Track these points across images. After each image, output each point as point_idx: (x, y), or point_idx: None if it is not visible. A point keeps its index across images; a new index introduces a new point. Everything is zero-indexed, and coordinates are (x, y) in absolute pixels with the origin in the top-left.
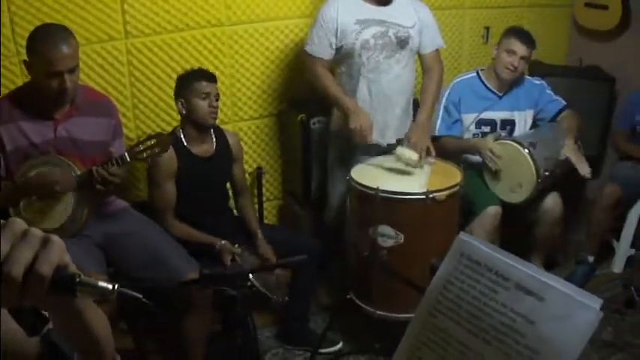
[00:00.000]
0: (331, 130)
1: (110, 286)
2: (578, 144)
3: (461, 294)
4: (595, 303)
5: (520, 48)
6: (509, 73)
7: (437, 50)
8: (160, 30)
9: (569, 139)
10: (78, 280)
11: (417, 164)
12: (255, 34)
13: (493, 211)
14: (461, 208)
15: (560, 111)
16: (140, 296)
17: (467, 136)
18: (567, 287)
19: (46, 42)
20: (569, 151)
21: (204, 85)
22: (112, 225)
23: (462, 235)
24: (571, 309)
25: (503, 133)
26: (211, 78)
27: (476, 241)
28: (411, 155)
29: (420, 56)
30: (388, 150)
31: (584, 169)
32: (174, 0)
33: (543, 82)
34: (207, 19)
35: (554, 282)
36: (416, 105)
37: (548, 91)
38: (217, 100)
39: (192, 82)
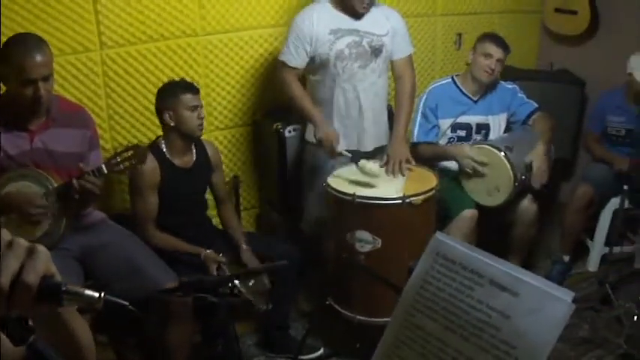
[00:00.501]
0: (305, 139)
1: (97, 295)
2: (549, 148)
3: (437, 292)
4: (567, 296)
5: (496, 51)
6: (487, 76)
7: (408, 56)
8: (134, 40)
9: (542, 144)
10: (64, 288)
11: (379, 174)
12: (230, 43)
13: (469, 214)
14: (437, 212)
15: (532, 113)
16: (127, 304)
17: (443, 140)
18: (540, 282)
19: (20, 50)
20: (537, 157)
21: (191, 98)
22: (89, 237)
23: (438, 235)
24: (544, 302)
25: (478, 137)
26: (196, 90)
27: (451, 241)
28: (373, 169)
29: (392, 63)
30: (368, 156)
31: (535, 183)
32: (149, 11)
33: (515, 86)
34: (182, 30)
35: (527, 277)
36: (390, 111)
37: (520, 95)
38: (202, 110)
39: (179, 94)
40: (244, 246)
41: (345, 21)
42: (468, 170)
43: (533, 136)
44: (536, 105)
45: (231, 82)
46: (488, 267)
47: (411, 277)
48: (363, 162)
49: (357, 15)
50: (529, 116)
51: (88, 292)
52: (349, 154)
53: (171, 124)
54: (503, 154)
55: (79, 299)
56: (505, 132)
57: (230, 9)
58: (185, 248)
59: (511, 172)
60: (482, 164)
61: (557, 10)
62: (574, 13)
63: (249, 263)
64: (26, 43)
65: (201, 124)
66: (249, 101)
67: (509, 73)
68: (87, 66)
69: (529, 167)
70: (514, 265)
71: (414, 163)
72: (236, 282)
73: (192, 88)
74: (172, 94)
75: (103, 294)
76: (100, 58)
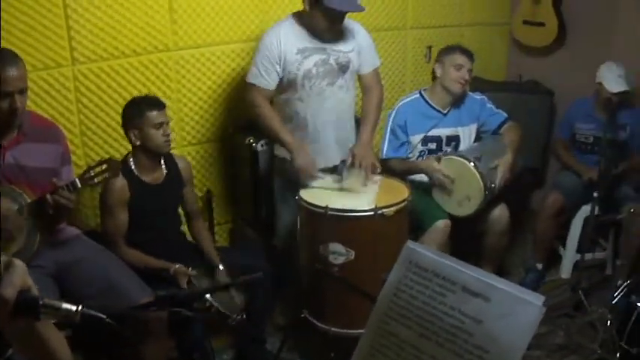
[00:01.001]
0: (275, 154)
1: (74, 308)
2: (515, 158)
3: (411, 299)
4: (537, 300)
5: (466, 61)
6: (460, 87)
7: (375, 69)
8: (107, 56)
9: (509, 153)
10: (41, 302)
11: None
12: (202, 58)
13: (442, 224)
14: (410, 224)
15: (502, 123)
16: (104, 317)
17: (414, 154)
18: (510, 287)
19: None
20: (503, 163)
21: (157, 114)
22: (63, 253)
23: (410, 244)
24: (515, 307)
25: (448, 149)
26: (162, 105)
27: (423, 249)
28: (355, 186)
29: (359, 77)
30: (333, 170)
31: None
32: (121, 26)
33: (484, 96)
34: (154, 45)
35: (498, 282)
36: (357, 122)
37: (489, 105)
38: (169, 126)
39: (144, 112)
40: (220, 267)
41: (311, 39)
42: (437, 183)
43: (501, 145)
44: (505, 115)
45: (204, 97)
46: (459, 273)
47: (385, 286)
48: (345, 179)
49: (323, 36)
50: (500, 126)
51: (66, 305)
52: (324, 177)
53: (137, 143)
54: (472, 164)
55: (57, 313)
56: (475, 142)
57: (202, 24)
58: (154, 264)
59: (481, 182)
60: (450, 178)
61: (525, 22)
62: (542, 25)
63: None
64: (1, 57)
65: (168, 141)
66: (222, 116)
67: (479, 85)
68: (59, 81)
69: (494, 170)
70: (485, 272)
71: (379, 168)
72: (207, 296)
73: (157, 105)
74: (137, 113)
75: (80, 307)
76: (72, 74)
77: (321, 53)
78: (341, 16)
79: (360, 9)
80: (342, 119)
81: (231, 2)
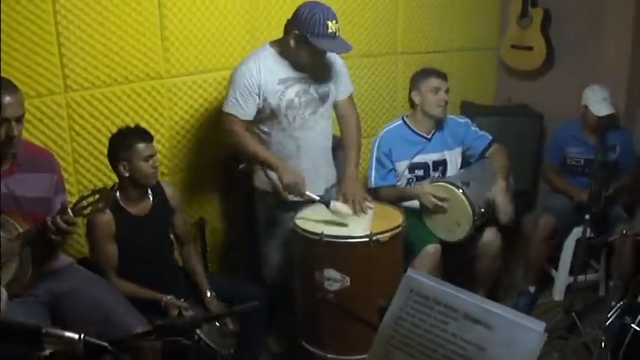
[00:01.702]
0: (256, 187)
1: (77, 336)
2: (509, 182)
3: (413, 328)
4: (539, 326)
5: (441, 83)
6: (442, 110)
7: (350, 96)
8: (99, 83)
9: (501, 179)
10: (44, 331)
11: (351, 216)
12: (194, 85)
13: (433, 249)
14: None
15: (488, 146)
16: (106, 344)
17: (402, 182)
18: (512, 314)
19: None
20: (498, 193)
21: (146, 147)
22: (57, 282)
23: (410, 272)
24: (517, 333)
25: (435, 175)
26: (150, 138)
27: (424, 277)
28: (345, 210)
29: (335, 104)
30: (321, 202)
31: (503, 217)
32: (114, 54)
33: (467, 119)
34: (146, 72)
35: (500, 310)
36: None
37: (473, 128)
38: (156, 157)
39: (133, 144)
40: (209, 293)
41: (292, 69)
42: (429, 207)
43: (490, 169)
44: (490, 137)
45: (196, 124)
46: (461, 301)
47: (387, 314)
48: (333, 204)
49: (305, 69)
50: (486, 149)
51: (68, 333)
52: (318, 199)
53: (126, 175)
54: (460, 190)
55: (60, 341)
56: (462, 166)
57: (194, 52)
58: (146, 295)
59: (469, 208)
60: (443, 199)
61: (513, 46)
62: (530, 49)
63: (215, 310)
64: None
65: (156, 172)
66: (214, 142)
67: (468, 109)
68: (52, 109)
69: (491, 204)
70: (486, 299)
71: (369, 199)
72: (198, 331)
73: (146, 137)
74: (126, 145)
75: (83, 335)
76: (65, 101)
77: (302, 83)
78: (322, 55)
79: (348, 48)
80: (324, 147)
81: (222, 30)
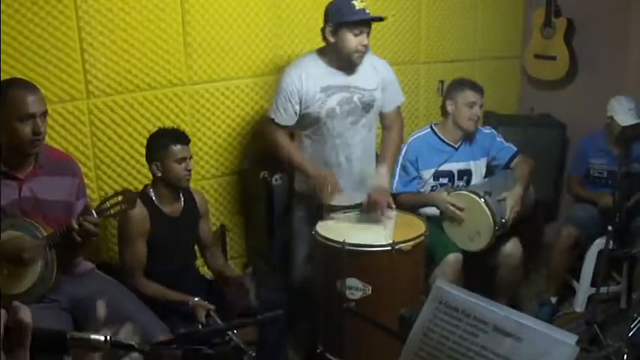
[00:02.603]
0: (295, 189)
1: (102, 338)
2: (527, 192)
3: (442, 340)
4: (570, 339)
5: (478, 98)
6: (474, 125)
7: (398, 107)
8: (121, 90)
9: (519, 186)
10: (69, 336)
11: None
12: (216, 93)
13: (453, 258)
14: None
15: (513, 157)
16: (133, 344)
17: (426, 189)
18: (543, 326)
19: (18, 88)
20: (512, 196)
21: (181, 149)
22: (78, 287)
23: (439, 283)
24: (548, 346)
25: (460, 184)
26: (186, 140)
27: (453, 288)
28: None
29: (381, 114)
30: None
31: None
32: (136, 60)
33: (493, 130)
34: (169, 79)
35: (530, 322)
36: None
37: (499, 139)
38: (191, 161)
39: (168, 145)
40: (235, 280)
41: (335, 77)
42: (448, 214)
43: (512, 179)
44: (515, 148)
45: (218, 131)
46: (490, 313)
47: (415, 326)
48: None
49: (349, 69)
50: (511, 159)
51: (94, 336)
52: (352, 204)
53: (159, 174)
54: (482, 200)
55: (86, 344)
56: (486, 176)
57: (216, 59)
58: (174, 297)
59: (490, 217)
60: (461, 209)
61: (536, 56)
62: (553, 58)
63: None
64: (22, 83)
65: (189, 175)
66: (236, 150)
67: (491, 119)
68: (74, 115)
69: (503, 203)
70: (516, 311)
71: (394, 206)
72: (230, 333)
73: (182, 139)
74: (161, 146)
75: (109, 336)
76: (87, 107)
77: (345, 92)
78: (362, 32)
79: (381, 18)
80: (364, 158)
81: (245, 37)
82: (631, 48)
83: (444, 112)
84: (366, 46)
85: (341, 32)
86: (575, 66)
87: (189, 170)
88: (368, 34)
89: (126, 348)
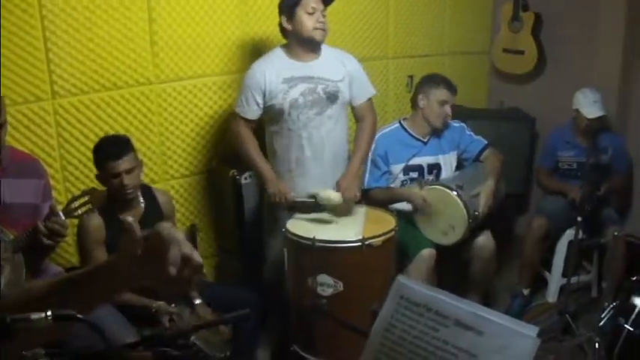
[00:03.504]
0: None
1: (43, 314)
2: (498, 186)
3: (403, 335)
4: (532, 331)
5: (450, 97)
6: (442, 122)
7: (369, 100)
8: (87, 89)
9: (491, 180)
10: (9, 320)
11: (340, 203)
12: (184, 91)
13: (428, 253)
14: (395, 254)
15: (483, 150)
16: (74, 313)
17: (396, 184)
18: (504, 319)
19: None
20: (484, 190)
21: (115, 165)
22: None
23: (400, 278)
24: (510, 339)
25: (430, 178)
26: (119, 154)
27: (414, 283)
28: (334, 196)
29: (352, 108)
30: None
31: (480, 207)
32: (102, 59)
33: (463, 124)
34: (135, 78)
35: (491, 315)
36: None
37: (468, 132)
38: (131, 172)
39: (102, 163)
40: (197, 300)
41: (298, 68)
42: (419, 208)
43: (483, 172)
44: (485, 141)
45: (186, 130)
46: (452, 307)
47: (376, 321)
48: (321, 193)
49: (313, 56)
50: (480, 152)
51: (34, 315)
52: (305, 199)
53: (104, 187)
54: (455, 193)
55: (29, 324)
56: (456, 170)
57: (184, 57)
58: (136, 301)
59: (464, 210)
60: (429, 204)
61: (505, 50)
62: (521, 52)
63: (206, 316)
64: None
65: (127, 189)
66: (205, 149)
67: (460, 113)
68: (39, 115)
69: (477, 198)
70: (478, 305)
71: (358, 196)
72: (192, 338)
73: (115, 155)
74: (98, 162)
75: (49, 312)
76: (53, 108)
77: (309, 82)
78: (315, 10)
79: None
80: (332, 151)
81: (212, 34)
82: (598, 41)
83: (414, 106)
84: (323, 23)
85: (296, 16)
86: (544, 60)
87: (126, 186)
88: (323, 13)
89: (69, 319)
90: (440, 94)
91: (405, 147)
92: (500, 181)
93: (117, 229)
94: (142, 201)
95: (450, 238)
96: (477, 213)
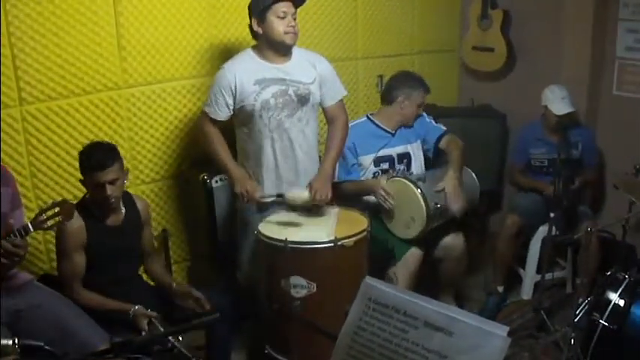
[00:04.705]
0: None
1: (10, 341)
2: (460, 174)
3: (372, 337)
4: (502, 331)
5: (425, 99)
6: (413, 120)
7: (340, 101)
8: (55, 95)
9: (452, 170)
10: None
11: (309, 202)
12: (153, 95)
13: (413, 254)
14: (381, 253)
15: (442, 135)
16: (42, 344)
17: (368, 175)
18: (473, 319)
19: None
20: (448, 181)
21: (99, 175)
22: (16, 300)
23: (368, 280)
24: (480, 339)
25: (401, 167)
26: (104, 165)
27: (382, 285)
28: (301, 194)
29: (323, 109)
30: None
31: (453, 206)
32: (69, 65)
33: (423, 113)
34: (104, 83)
35: (461, 315)
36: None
37: (428, 120)
38: (113, 183)
39: (87, 171)
40: (174, 284)
41: (270, 70)
42: (380, 201)
43: (446, 167)
44: (444, 128)
45: (156, 134)
46: (421, 308)
47: (345, 323)
48: (289, 194)
49: (284, 58)
50: (439, 139)
51: (3, 341)
52: (273, 198)
53: (87, 196)
54: (413, 184)
55: None
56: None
57: (152, 61)
58: (113, 306)
59: (422, 202)
60: (391, 196)
61: (474, 47)
62: (491, 50)
63: (185, 291)
64: None
65: (110, 199)
66: (175, 153)
67: (431, 111)
68: (6, 122)
69: (442, 195)
70: (447, 305)
71: (330, 196)
72: (170, 338)
73: (99, 165)
74: (83, 170)
75: (17, 339)
76: (20, 115)
77: (280, 84)
78: (286, 13)
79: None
80: (302, 152)
81: (180, 38)
82: (567, 37)
83: (387, 101)
84: (294, 27)
85: (267, 20)
86: (513, 56)
87: (109, 197)
88: (294, 16)
89: (36, 350)
90: (419, 97)
91: (374, 138)
92: (462, 170)
93: (97, 232)
94: (122, 207)
95: (412, 231)
96: (438, 205)
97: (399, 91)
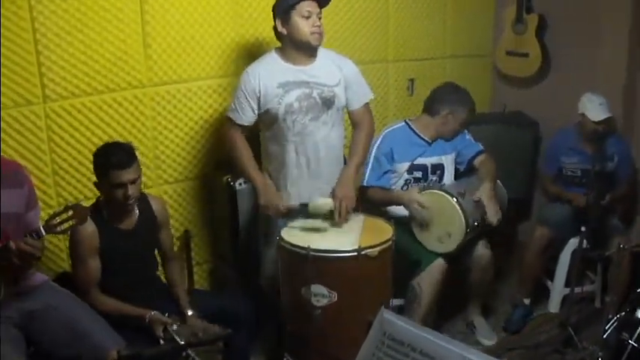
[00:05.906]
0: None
1: None
2: (494, 187)
3: None
4: None
5: (470, 116)
6: (452, 136)
7: (366, 104)
8: (79, 93)
9: (487, 182)
10: None
11: (332, 210)
12: (178, 94)
13: (438, 265)
14: (404, 263)
15: (478, 154)
16: None
17: (399, 182)
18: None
19: None
20: (483, 193)
21: (119, 174)
22: (31, 301)
23: (385, 314)
24: None
25: (434, 178)
26: (125, 164)
27: (399, 320)
28: (324, 204)
29: (349, 112)
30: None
31: (492, 216)
32: (94, 62)
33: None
34: (128, 81)
35: (476, 356)
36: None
37: (468, 136)
38: (134, 182)
39: (106, 171)
40: (189, 312)
41: (294, 73)
42: (414, 214)
43: (477, 180)
44: (481, 147)
45: (180, 134)
46: (437, 347)
47: (358, 356)
48: (312, 203)
49: (309, 61)
50: (475, 156)
51: None
52: (297, 208)
53: (102, 197)
54: (455, 199)
55: None
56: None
57: (177, 59)
58: (129, 311)
59: (463, 219)
60: (426, 209)
61: (508, 52)
62: (525, 55)
63: (197, 329)
64: None
65: (129, 200)
66: (199, 153)
67: None
68: (30, 120)
69: (480, 205)
70: (464, 344)
71: (353, 205)
72: (189, 352)
73: (120, 164)
74: (101, 170)
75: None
76: (44, 112)
77: (304, 87)
78: (311, 13)
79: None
80: (327, 157)
81: (207, 37)
82: (603, 44)
83: (431, 112)
84: (319, 27)
85: (291, 20)
86: (548, 63)
87: (129, 196)
88: (319, 16)
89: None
90: (464, 114)
91: (412, 146)
92: (501, 187)
93: (111, 236)
94: (136, 208)
95: (446, 246)
96: (476, 224)
97: (444, 105)
